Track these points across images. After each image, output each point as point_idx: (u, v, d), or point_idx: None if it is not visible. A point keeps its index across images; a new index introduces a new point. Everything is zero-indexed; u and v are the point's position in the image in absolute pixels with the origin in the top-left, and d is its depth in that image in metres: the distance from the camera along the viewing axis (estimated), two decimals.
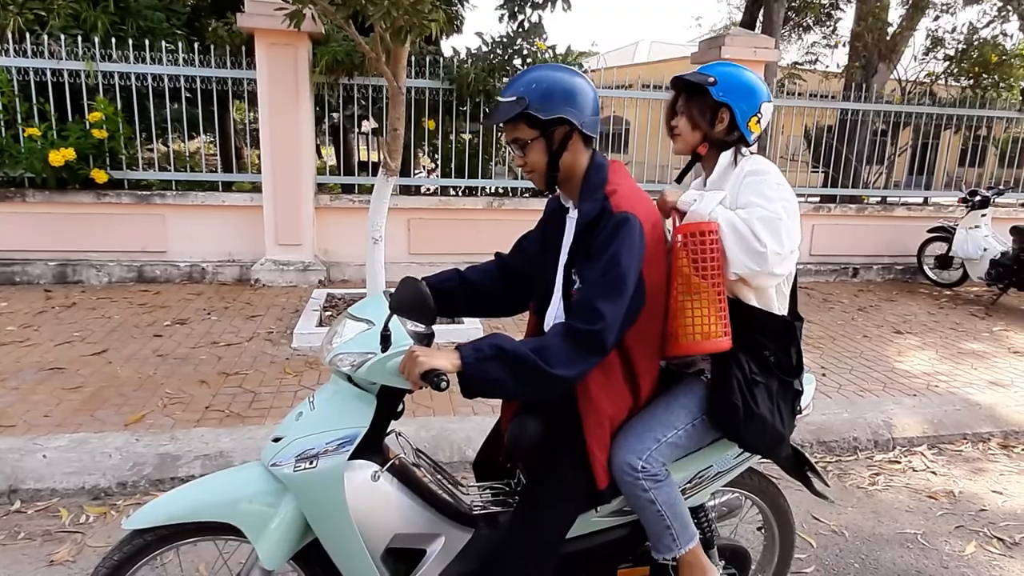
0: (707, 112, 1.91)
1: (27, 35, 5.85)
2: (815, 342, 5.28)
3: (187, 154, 6.71)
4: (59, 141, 5.77)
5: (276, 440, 1.68)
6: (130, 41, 5.97)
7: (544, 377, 1.55)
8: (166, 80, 6.12)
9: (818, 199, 8.31)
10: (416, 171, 7.28)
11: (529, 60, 6.73)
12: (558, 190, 1.85)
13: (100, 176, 5.89)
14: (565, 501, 1.76)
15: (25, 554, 2.53)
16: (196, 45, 6.27)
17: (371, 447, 1.73)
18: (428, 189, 7.34)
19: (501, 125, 1.78)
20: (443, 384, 1.50)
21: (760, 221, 1.71)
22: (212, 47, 6.28)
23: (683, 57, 9.34)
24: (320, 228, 6.50)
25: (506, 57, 6.64)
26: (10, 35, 5.86)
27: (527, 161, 1.75)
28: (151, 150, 6.58)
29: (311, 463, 1.61)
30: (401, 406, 1.80)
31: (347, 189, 7.33)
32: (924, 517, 3.07)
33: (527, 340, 1.61)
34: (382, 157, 4.74)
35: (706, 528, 1.99)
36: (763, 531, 2.29)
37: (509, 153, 7.40)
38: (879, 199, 8.68)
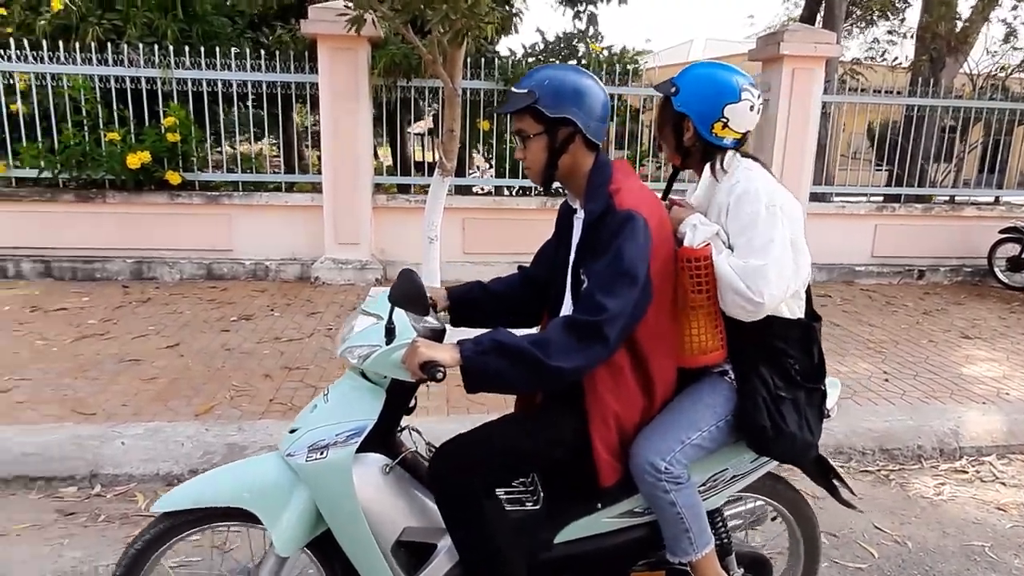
0: (671, 124, 1.86)
1: (108, 45, 6.18)
2: (877, 346, 5.13)
3: (252, 156, 6.96)
4: (136, 145, 6.09)
5: (293, 431, 1.74)
6: (201, 49, 6.23)
7: (543, 369, 1.55)
8: (234, 85, 6.38)
9: (881, 199, 8.05)
10: (470, 171, 7.37)
11: (584, 61, 6.75)
12: (565, 192, 1.88)
13: (174, 178, 6.20)
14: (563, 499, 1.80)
15: (104, 535, 2.70)
16: (261, 51, 6.51)
17: (383, 441, 1.77)
18: (482, 189, 7.43)
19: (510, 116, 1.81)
20: (439, 375, 1.55)
21: (755, 272, 1.67)
22: (276, 52, 6.51)
23: (739, 55, 9.17)
24: (377, 227, 6.66)
25: (562, 57, 6.66)
26: (94, 45, 6.20)
27: (527, 155, 1.77)
28: (219, 152, 6.86)
29: (322, 454, 1.66)
30: (413, 401, 1.84)
31: (403, 189, 7.48)
32: (992, 530, 2.97)
33: (527, 334, 1.62)
34: (438, 158, 4.83)
35: (723, 533, 1.94)
36: (787, 539, 2.22)
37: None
38: (947, 198, 8.34)
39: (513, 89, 1.76)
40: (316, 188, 6.69)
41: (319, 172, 6.57)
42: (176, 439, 3.25)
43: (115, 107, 6.23)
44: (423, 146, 11.23)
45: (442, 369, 1.56)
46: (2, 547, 2.60)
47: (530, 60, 6.61)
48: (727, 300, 1.71)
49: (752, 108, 1.82)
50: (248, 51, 6.40)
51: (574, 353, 1.58)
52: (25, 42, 6.06)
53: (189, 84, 6.28)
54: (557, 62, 6.63)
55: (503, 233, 6.67)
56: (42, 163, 6.08)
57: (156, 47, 6.24)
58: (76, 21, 6.49)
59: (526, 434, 1.79)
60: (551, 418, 1.79)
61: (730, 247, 1.76)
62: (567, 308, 1.83)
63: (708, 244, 1.73)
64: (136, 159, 5.95)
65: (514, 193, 7.12)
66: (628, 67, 6.96)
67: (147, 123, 6.24)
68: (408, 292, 1.68)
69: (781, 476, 2.08)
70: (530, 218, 6.71)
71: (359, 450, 1.69)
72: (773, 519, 2.15)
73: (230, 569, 2.38)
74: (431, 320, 1.82)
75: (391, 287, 1.73)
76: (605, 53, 7.02)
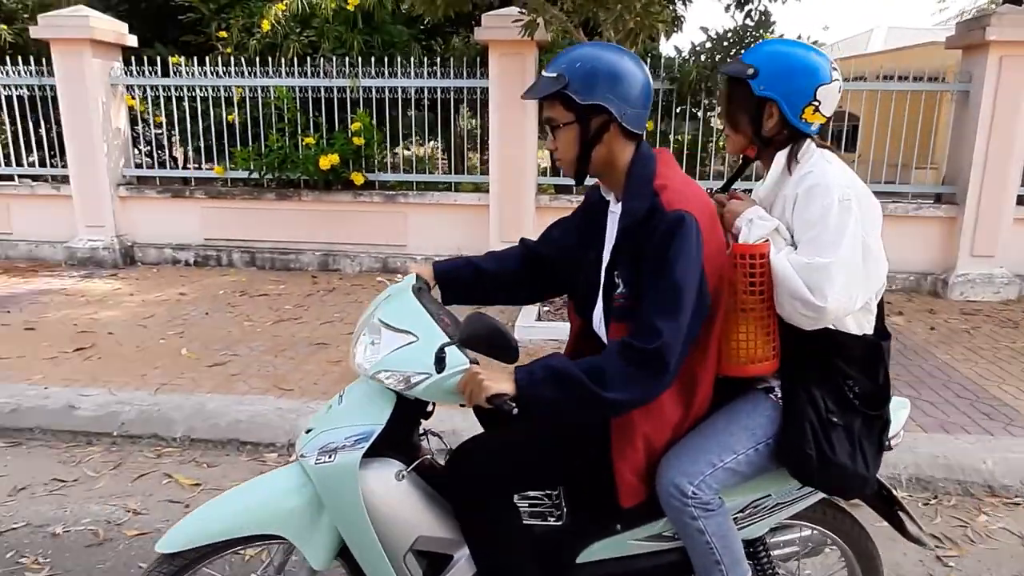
0: (750, 109, 1.65)
1: (307, 59, 6.89)
2: None
3: (426, 158, 7.44)
4: (327, 148, 6.73)
5: (308, 431, 1.68)
6: (385, 59, 6.75)
7: (599, 401, 1.42)
8: (413, 92, 6.84)
9: None
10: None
11: None
12: (599, 182, 1.69)
13: (358, 178, 6.78)
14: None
15: None
16: (436, 57, 6.92)
17: (399, 445, 1.69)
18: None
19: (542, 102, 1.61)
20: (513, 410, 1.42)
21: (819, 271, 1.47)
22: (450, 59, 6.89)
23: (931, 43, 8.33)
24: (539, 227, 6.79)
25: (732, 53, 6.45)
26: (295, 60, 6.94)
27: (557, 146, 1.59)
28: (395, 154, 7.39)
29: (330, 457, 1.59)
30: (431, 406, 1.73)
31: (563, 189, 7.60)
32: None
33: (583, 360, 1.46)
34: None
35: (765, 564, 1.76)
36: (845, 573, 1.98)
37: (722, 151, 7.19)
38: None
39: (543, 72, 1.57)
40: (478, 188, 6.99)
41: (482, 173, 6.86)
42: None
43: (311, 114, 6.92)
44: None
45: (515, 404, 1.42)
46: None
47: (703, 58, 6.46)
48: (784, 304, 1.53)
49: (839, 89, 1.65)
50: (425, 59, 6.84)
51: (632, 385, 1.43)
52: (242, 60, 6.91)
53: (373, 92, 6.83)
54: (727, 55, 6.43)
55: None
56: (251, 165, 6.89)
57: (346, 59, 6.84)
58: (280, 39, 7.29)
59: (547, 443, 1.67)
60: (574, 429, 1.66)
61: (793, 245, 1.58)
62: (599, 311, 1.68)
63: (767, 241, 1.56)
64: (327, 161, 6.58)
65: None
66: None
67: (336, 128, 6.87)
68: (489, 338, 1.47)
69: (838, 503, 1.86)
70: None
71: (373, 454, 1.61)
72: (831, 549, 1.94)
73: None
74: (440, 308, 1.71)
75: (461, 330, 1.52)
76: None
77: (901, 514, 1.82)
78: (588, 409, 1.47)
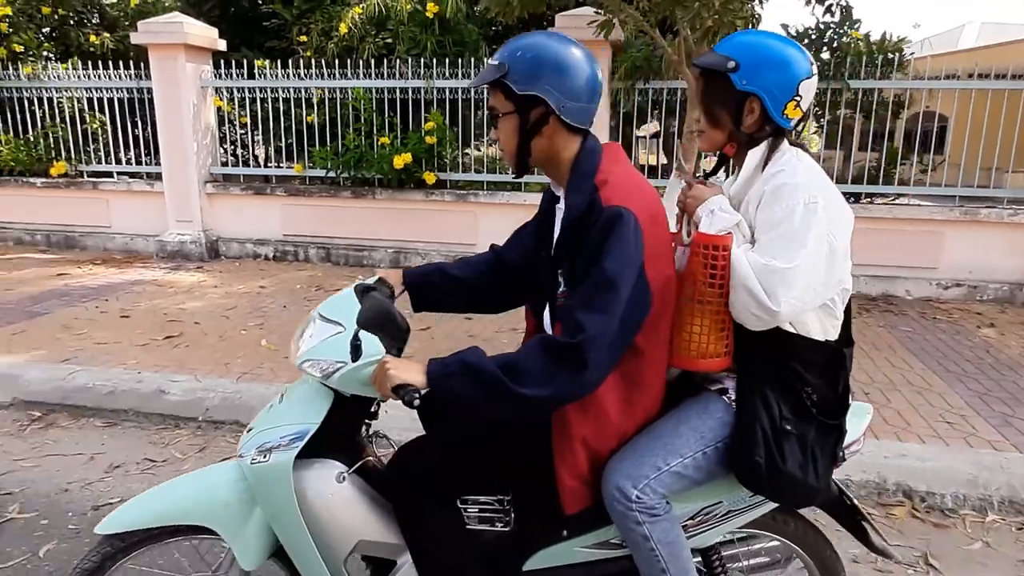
0: (731, 105, 1.57)
1: (383, 60, 7.07)
2: None
3: (497, 158, 7.51)
4: (401, 148, 6.88)
5: (249, 431, 1.66)
6: (459, 60, 6.85)
7: (510, 397, 1.36)
8: (484, 92, 6.91)
9: None
10: (696, 173, 7.21)
11: (839, 54, 6.25)
12: (550, 179, 1.64)
13: (430, 177, 6.91)
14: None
15: None
16: None
17: (341, 446, 1.66)
18: None
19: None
20: (415, 401, 1.38)
21: (777, 275, 1.42)
22: None
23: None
24: None
25: (812, 51, 6.24)
26: (372, 61, 7.13)
27: (499, 137, 1.56)
28: (466, 154, 7.49)
29: (265, 456, 1.56)
30: (375, 407, 1.71)
31: None
32: None
33: (501, 355, 1.42)
34: (676, 159, 4.82)
35: (719, 575, 1.70)
36: None
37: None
38: None
39: (488, 60, 1.56)
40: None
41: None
42: None
43: (386, 114, 7.09)
44: (645, 148, 11.29)
45: (417, 395, 1.39)
46: None
47: None
48: (737, 301, 1.47)
49: (815, 84, 1.59)
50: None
51: (549, 381, 1.37)
52: (321, 62, 7.15)
53: (446, 92, 6.94)
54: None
55: None
56: (328, 164, 7.13)
57: (421, 60, 6.98)
58: (357, 42, 7.51)
59: (492, 447, 1.62)
60: (515, 430, 1.61)
61: (752, 243, 1.52)
62: (548, 311, 1.64)
63: (730, 233, 1.50)
64: (401, 160, 6.73)
65: None
66: (890, 56, 6.31)
67: (410, 128, 7.01)
68: (377, 320, 1.54)
69: (800, 513, 1.78)
70: None
71: (315, 455, 1.59)
72: (791, 562, 1.85)
73: None
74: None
75: (360, 311, 1.57)
76: (863, 43, 6.43)
77: (865, 525, 1.74)
78: (501, 404, 1.41)
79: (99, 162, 7.93)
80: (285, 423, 1.60)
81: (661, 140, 8.15)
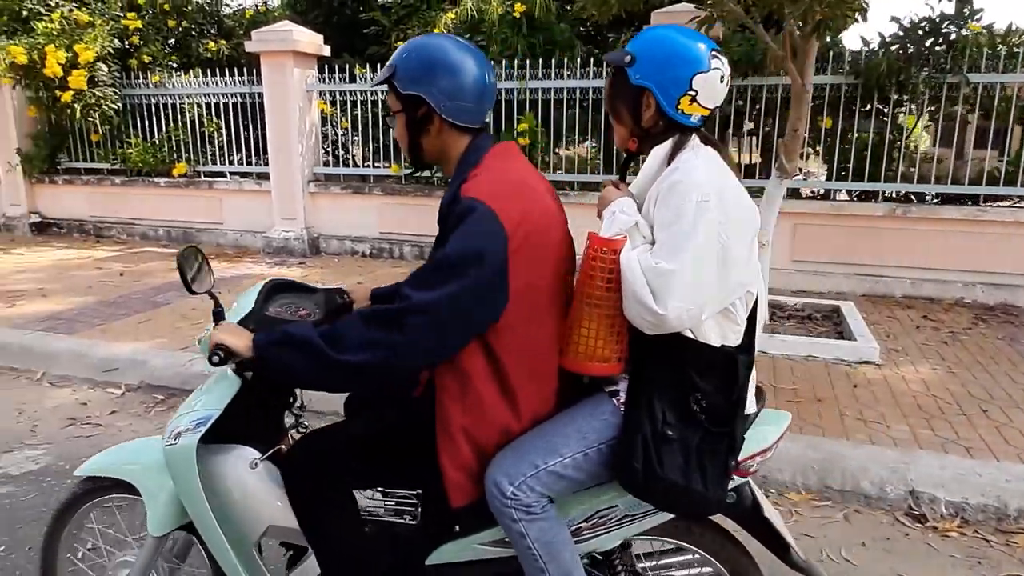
0: (629, 100, 1.57)
1: None
2: None
3: (588, 158, 7.50)
4: None
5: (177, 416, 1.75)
6: (553, 61, 6.90)
7: (330, 363, 1.42)
8: (577, 92, 6.94)
9: None
10: (794, 174, 6.94)
11: (957, 46, 5.85)
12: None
13: None
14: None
15: None
16: (601, 57, 6.96)
17: (259, 433, 1.73)
18: (814, 192, 6.94)
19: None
20: (214, 359, 1.49)
21: (663, 277, 1.39)
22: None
23: None
24: None
25: (928, 44, 5.88)
26: None
27: (396, 133, 1.66)
28: (556, 154, 7.53)
29: (175, 439, 1.64)
30: (293, 397, 1.80)
31: None
32: None
33: (327, 326, 1.48)
34: (777, 158, 4.67)
35: None
36: None
37: (912, 153, 6.56)
38: None
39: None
40: None
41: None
42: None
43: None
44: (739, 147, 10.87)
45: (219, 354, 1.49)
46: None
47: (893, 48, 5.94)
48: (628, 305, 1.45)
49: (722, 79, 1.55)
50: (591, 59, 6.90)
51: (368, 348, 1.41)
52: None
53: (539, 93, 7.00)
54: (921, 46, 5.85)
55: (840, 242, 6.15)
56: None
57: (514, 61, 7.07)
58: None
59: (399, 439, 1.65)
60: (429, 426, 1.60)
61: (652, 243, 1.49)
62: None
63: (624, 236, 1.48)
64: None
65: (855, 198, 6.51)
66: (1015, 49, 5.85)
67: (503, 128, 7.12)
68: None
69: (719, 525, 1.71)
70: (874, 226, 6.05)
71: (232, 441, 1.68)
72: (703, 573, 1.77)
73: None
74: (311, 304, 1.78)
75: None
76: (984, 35, 5.98)
77: (786, 539, 1.64)
78: (325, 372, 1.45)
79: (214, 163, 8.49)
80: (194, 409, 1.69)
81: (760, 138, 7.89)
